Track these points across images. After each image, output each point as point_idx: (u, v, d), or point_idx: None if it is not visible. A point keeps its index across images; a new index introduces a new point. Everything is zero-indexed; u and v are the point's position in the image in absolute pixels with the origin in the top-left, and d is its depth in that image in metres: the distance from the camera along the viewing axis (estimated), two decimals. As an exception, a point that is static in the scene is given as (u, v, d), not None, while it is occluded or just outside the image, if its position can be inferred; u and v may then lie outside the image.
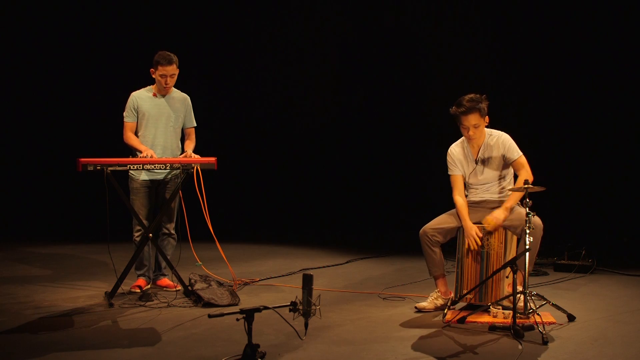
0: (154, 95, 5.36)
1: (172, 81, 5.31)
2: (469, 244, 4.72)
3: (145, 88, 5.42)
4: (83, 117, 9.18)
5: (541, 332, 4.07)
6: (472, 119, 4.69)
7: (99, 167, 4.85)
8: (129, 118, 5.35)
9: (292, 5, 9.46)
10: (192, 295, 5.08)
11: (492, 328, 4.33)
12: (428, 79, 8.92)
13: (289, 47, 9.58)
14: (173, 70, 5.27)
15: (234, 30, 9.54)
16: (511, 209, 4.71)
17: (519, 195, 4.72)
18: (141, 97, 5.36)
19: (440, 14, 8.77)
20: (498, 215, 4.68)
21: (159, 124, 5.36)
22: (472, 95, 4.72)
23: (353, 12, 9.28)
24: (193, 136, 5.52)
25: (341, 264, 6.75)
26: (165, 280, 5.55)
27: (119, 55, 9.01)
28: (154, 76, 5.31)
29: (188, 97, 5.52)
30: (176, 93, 5.46)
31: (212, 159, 5.16)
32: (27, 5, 9.08)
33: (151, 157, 5.09)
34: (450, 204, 4.92)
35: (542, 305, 4.51)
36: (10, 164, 9.20)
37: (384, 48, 9.22)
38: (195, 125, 5.54)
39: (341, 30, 9.36)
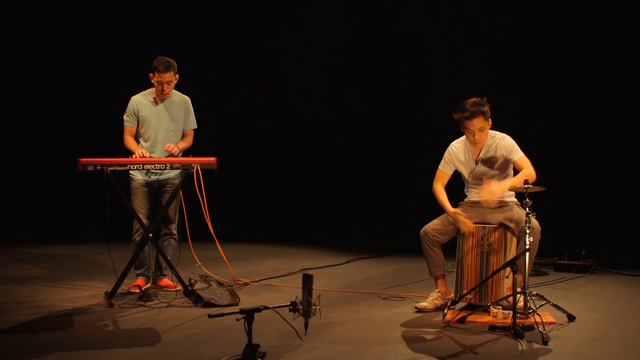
0: (154, 99, 5.36)
1: (168, 88, 5.29)
2: (462, 228, 4.73)
3: (146, 92, 5.41)
4: (83, 117, 9.18)
5: (541, 332, 4.08)
6: (477, 123, 4.68)
7: (99, 167, 4.85)
8: (128, 122, 5.36)
9: (291, 4, 9.45)
10: (192, 295, 5.08)
11: (492, 328, 4.33)
12: (428, 78, 8.91)
13: (288, 46, 9.58)
14: (170, 77, 5.25)
15: (234, 30, 9.53)
16: (512, 185, 4.65)
17: (522, 179, 4.61)
18: (141, 103, 5.35)
19: (439, 12, 8.76)
20: (495, 191, 4.66)
21: (160, 129, 5.36)
22: (474, 99, 4.71)
23: (352, 11, 9.27)
24: (190, 138, 5.51)
25: (341, 264, 6.75)
26: (165, 280, 5.55)
27: (119, 55, 9.01)
28: (152, 81, 5.31)
29: (189, 100, 5.51)
30: (176, 96, 5.45)
31: (212, 159, 5.16)
32: (27, 5, 9.08)
33: (142, 157, 5.09)
34: (451, 204, 4.91)
35: (542, 305, 4.51)
36: (10, 163, 9.19)
37: (384, 47, 9.21)
38: (196, 127, 5.53)
39: (340, 29, 9.35)
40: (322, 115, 9.60)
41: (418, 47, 9.00)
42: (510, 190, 4.73)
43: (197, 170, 5.03)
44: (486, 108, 4.70)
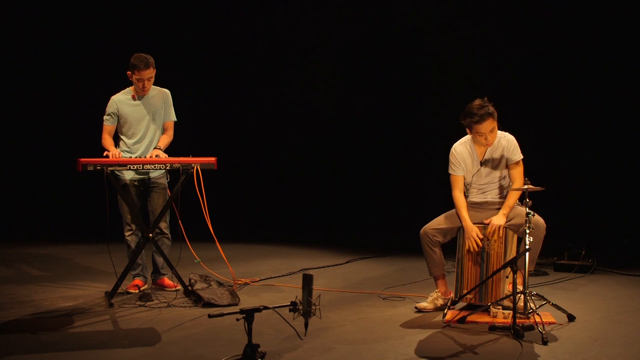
0: (133, 97, 5.36)
1: (149, 84, 5.30)
2: (469, 244, 4.72)
3: (124, 90, 5.42)
4: (83, 117, 9.16)
5: (541, 332, 4.08)
6: (488, 125, 4.63)
7: (99, 167, 4.85)
8: (108, 122, 5.35)
9: (293, 4, 9.45)
10: (192, 295, 5.08)
11: (492, 328, 4.33)
12: (429, 79, 8.91)
13: (290, 45, 9.57)
14: (150, 73, 5.26)
15: (234, 29, 9.53)
16: (510, 210, 4.71)
17: (517, 196, 4.72)
18: (121, 101, 5.36)
19: (442, 12, 8.76)
20: (498, 222, 4.68)
21: (141, 125, 5.36)
22: (479, 102, 4.64)
23: (354, 11, 9.27)
24: (170, 131, 5.48)
25: (341, 264, 6.75)
26: (165, 280, 5.55)
27: (119, 55, 8.98)
28: (131, 79, 5.30)
29: (168, 92, 5.49)
30: (155, 91, 5.43)
31: (212, 159, 5.16)
32: (27, 5, 9.08)
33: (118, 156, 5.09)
34: (450, 204, 4.90)
35: (542, 305, 4.51)
36: (10, 164, 9.19)
37: (386, 47, 9.21)
38: (175, 119, 5.50)
39: (343, 29, 9.35)
40: (322, 116, 9.60)
41: (419, 46, 8.98)
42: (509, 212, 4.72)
43: (197, 170, 5.03)
44: (492, 108, 4.66)
